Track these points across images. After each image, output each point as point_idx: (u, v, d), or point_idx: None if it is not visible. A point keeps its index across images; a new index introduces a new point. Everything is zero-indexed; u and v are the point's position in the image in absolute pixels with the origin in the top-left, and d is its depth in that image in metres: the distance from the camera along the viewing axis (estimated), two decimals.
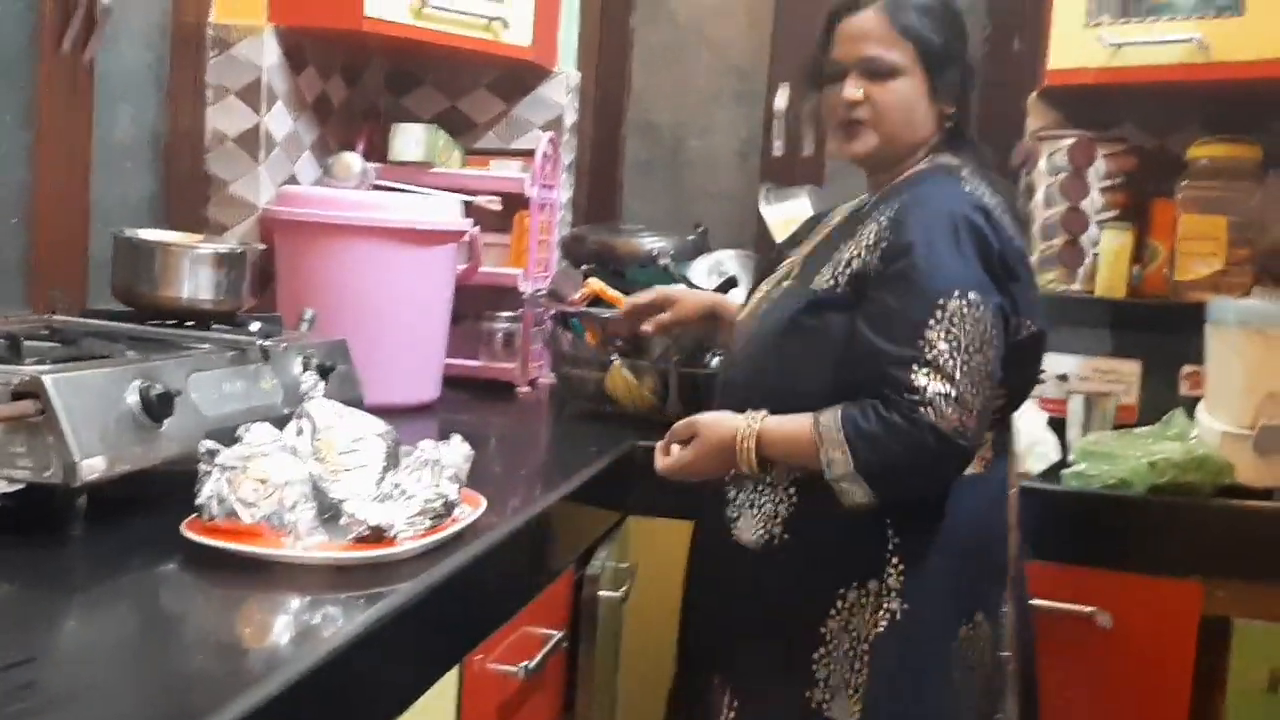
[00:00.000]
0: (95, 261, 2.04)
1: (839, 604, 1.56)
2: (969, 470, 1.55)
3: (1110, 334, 2.30)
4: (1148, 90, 2.36)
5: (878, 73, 1.62)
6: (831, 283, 1.59)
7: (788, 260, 1.78)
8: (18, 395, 1.28)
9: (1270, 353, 1.98)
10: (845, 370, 1.54)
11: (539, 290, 2.60)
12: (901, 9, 1.62)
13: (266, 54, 2.34)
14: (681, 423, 1.67)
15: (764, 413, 1.58)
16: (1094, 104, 2.49)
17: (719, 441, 1.60)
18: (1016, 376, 1.60)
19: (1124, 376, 2.24)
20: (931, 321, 1.47)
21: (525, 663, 1.54)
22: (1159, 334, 2.25)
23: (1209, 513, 1.94)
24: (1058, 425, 2.16)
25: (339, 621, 1.14)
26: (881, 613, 1.54)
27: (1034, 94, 2.54)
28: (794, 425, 1.55)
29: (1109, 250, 2.32)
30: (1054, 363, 2.27)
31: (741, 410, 1.61)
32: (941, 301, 1.47)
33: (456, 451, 1.46)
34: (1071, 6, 2.34)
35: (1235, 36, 2.16)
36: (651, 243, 2.52)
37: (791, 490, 1.60)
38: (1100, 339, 2.29)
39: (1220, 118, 2.40)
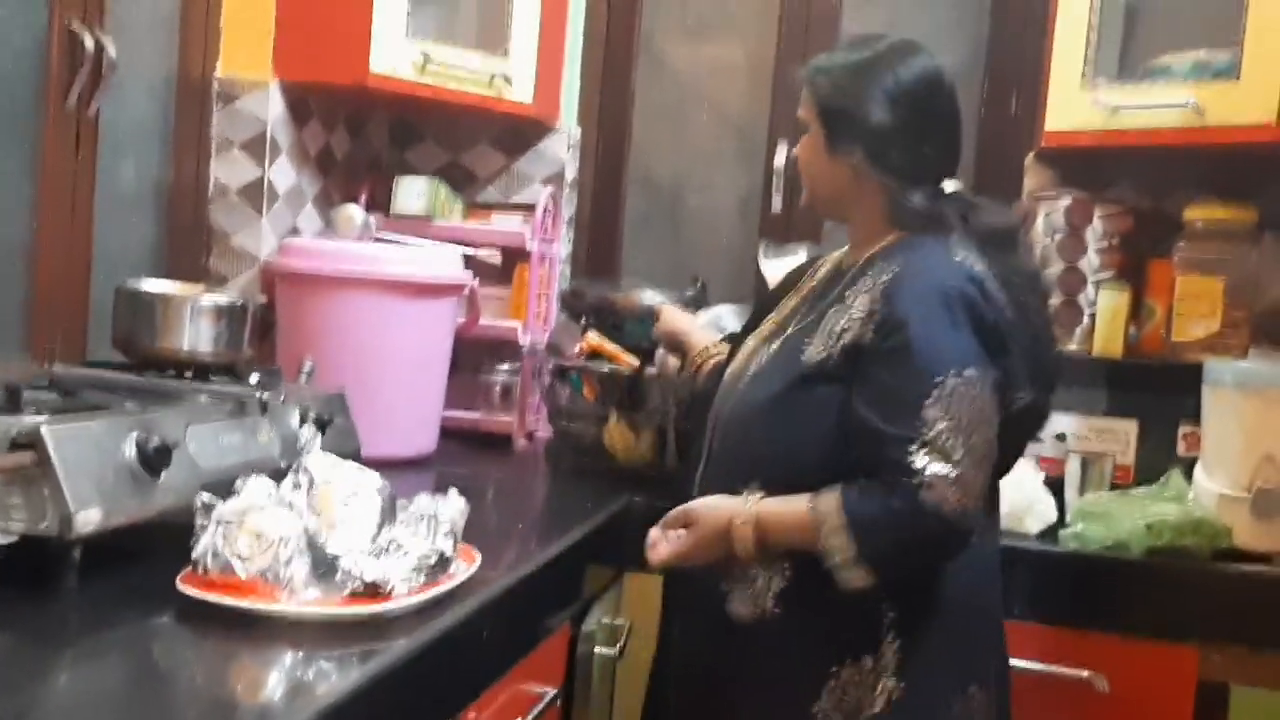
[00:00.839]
0: (97, 311, 2.05)
1: (832, 682, 1.51)
2: None
3: (1107, 394, 2.30)
4: (1144, 152, 2.38)
5: (799, 129, 1.68)
6: (824, 355, 1.55)
7: (773, 315, 1.77)
8: (16, 446, 1.28)
9: (1268, 415, 1.98)
10: (838, 445, 1.51)
11: (538, 343, 2.61)
12: (817, 67, 1.66)
13: (271, 107, 2.37)
14: (676, 510, 1.63)
15: (759, 495, 1.55)
16: (1091, 165, 2.51)
17: (715, 528, 1.56)
18: (1009, 445, 1.57)
19: (1121, 436, 2.24)
20: (929, 401, 1.44)
21: None
22: (1156, 394, 2.26)
23: (1206, 576, 1.94)
24: (1055, 485, 2.15)
25: (332, 678, 1.14)
26: (878, 691, 1.50)
27: (1031, 155, 2.56)
28: (792, 511, 1.51)
29: (1106, 310, 2.33)
30: (1051, 422, 2.26)
31: (728, 481, 1.59)
32: (939, 380, 1.45)
33: (453, 506, 1.46)
34: (1068, 69, 2.36)
35: (1230, 101, 2.18)
36: (650, 297, 2.53)
37: (786, 565, 1.54)
38: (1097, 398, 2.30)
39: (1216, 180, 2.41)
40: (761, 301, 1.88)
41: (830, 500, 1.47)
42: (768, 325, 1.75)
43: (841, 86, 1.62)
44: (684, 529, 1.60)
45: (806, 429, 1.55)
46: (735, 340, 1.84)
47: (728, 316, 2.53)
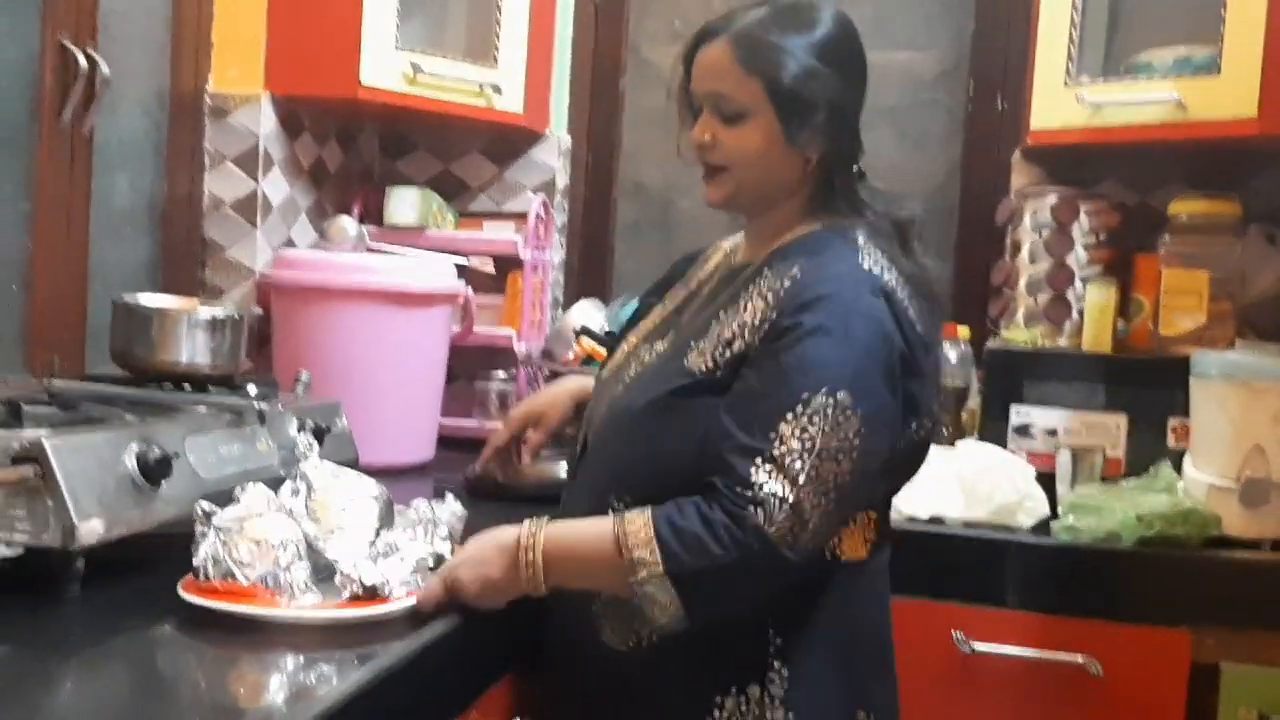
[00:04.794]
0: (94, 326, 2.07)
1: (716, 713, 1.40)
2: (850, 556, 1.44)
3: (1097, 388, 2.31)
4: (1129, 148, 2.41)
5: (726, 114, 1.47)
6: (710, 364, 1.40)
7: (657, 309, 1.64)
8: (18, 459, 1.30)
9: (1254, 405, 2.00)
10: (707, 456, 1.36)
11: (533, 350, 2.63)
12: (750, 41, 1.45)
13: (264, 121, 2.39)
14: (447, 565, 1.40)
15: (545, 519, 1.40)
16: (1076, 162, 2.54)
17: (495, 553, 1.37)
18: (904, 474, 1.50)
19: (1111, 430, 2.26)
20: (789, 416, 1.30)
21: None
22: (1145, 387, 2.27)
23: (1197, 564, 1.96)
24: (1046, 479, 2.17)
25: (333, 680, 1.15)
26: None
27: (1017, 152, 2.59)
28: (591, 528, 1.36)
29: (1094, 305, 2.35)
30: (1042, 417, 2.29)
31: (596, 491, 1.46)
32: (806, 396, 1.30)
33: (450, 511, 1.48)
34: (1052, 67, 2.38)
35: (1212, 96, 2.20)
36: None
37: None
38: (1087, 393, 2.31)
39: (1200, 174, 2.44)
40: (644, 298, 1.73)
41: (640, 513, 1.33)
42: (650, 322, 1.63)
43: (800, 64, 1.43)
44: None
45: (684, 440, 1.39)
46: (616, 339, 1.70)
47: (591, 312, 2.54)
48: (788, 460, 1.29)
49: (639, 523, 1.32)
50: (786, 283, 1.40)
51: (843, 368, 1.32)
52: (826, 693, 1.43)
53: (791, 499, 1.28)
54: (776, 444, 1.30)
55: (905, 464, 1.48)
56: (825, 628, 1.43)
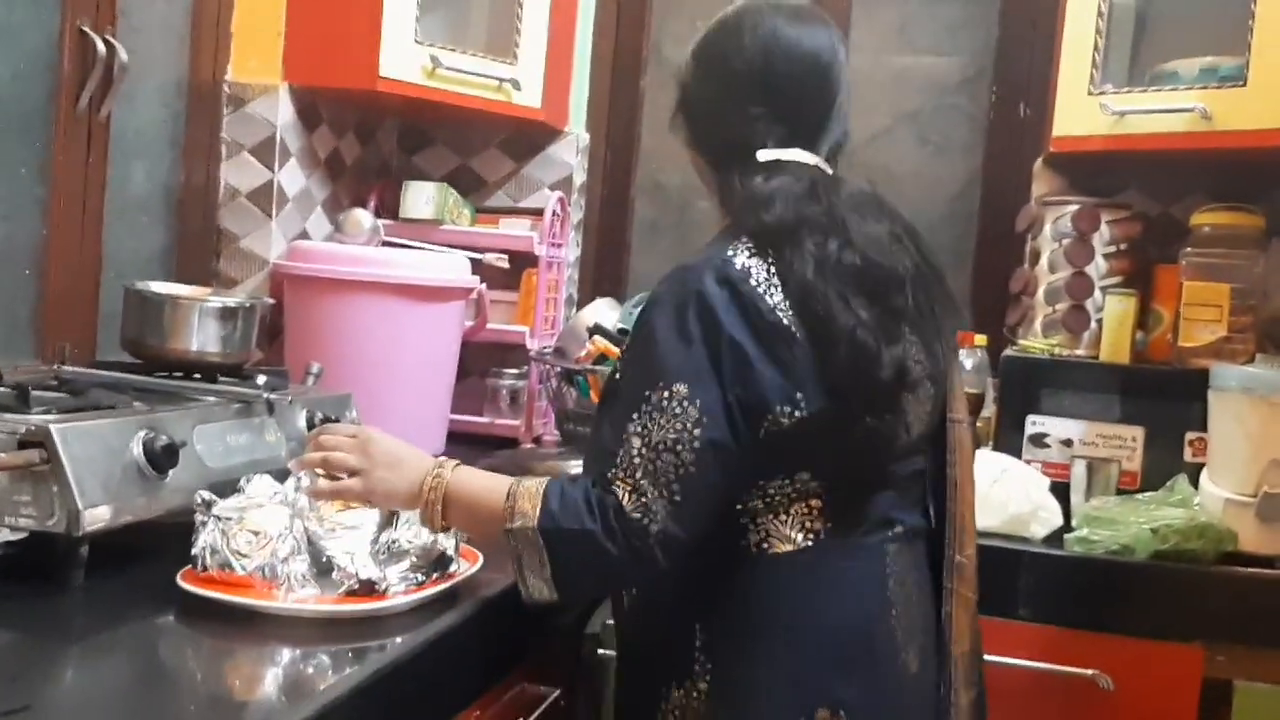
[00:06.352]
0: (106, 313, 2.06)
1: (663, 705, 1.44)
2: (784, 548, 1.42)
3: (1114, 399, 2.29)
4: (1152, 158, 2.39)
5: None
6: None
7: None
8: (24, 444, 1.30)
9: (1273, 420, 1.98)
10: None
11: (545, 348, 2.62)
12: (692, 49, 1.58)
13: (281, 111, 2.38)
14: (345, 428, 1.51)
15: (455, 461, 1.45)
16: (1099, 171, 2.51)
17: (399, 487, 1.42)
18: (810, 458, 1.41)
19: (1127, 442, 2.24)
20: (635, 414, 1.35)
21: None
22: (1163, 400, 2.25)
23: (1211, 579, 1.93)
24: (1061, 490, 2.15)
25: (328, 675, 1.15)
26: (694, 717, 1.42)
27: (1039, 160, 2.57)
28: (494, 480, 1.42)
29: (1113, 316, 2.33)
30: (1058, 427, 2.28)
31: None
32: (647, 393, 1.35)
33: None
34: (1077, 75, 2.36)
35: (1238, 106, 2.18)
36: None
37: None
38: (1104, 404, 2.29)
39: (1224, 186, 2.41)
40: None
41: (540, 478, 1.39)
42: None
43: (684, 70, 1.57)
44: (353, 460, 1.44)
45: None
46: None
47: (605, 310, 2.54)
48: (629, 455, 1.34)
49: (534, 484, 1.37)
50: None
51: (680, 360, 1.35)
52: (760, 689, 1.41)
53: (635, 495, 1.32)
54: (625, 443, 1.35)
55: (789, 450, 1.40)
56: (755, 623, 1.42)
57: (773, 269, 1.40)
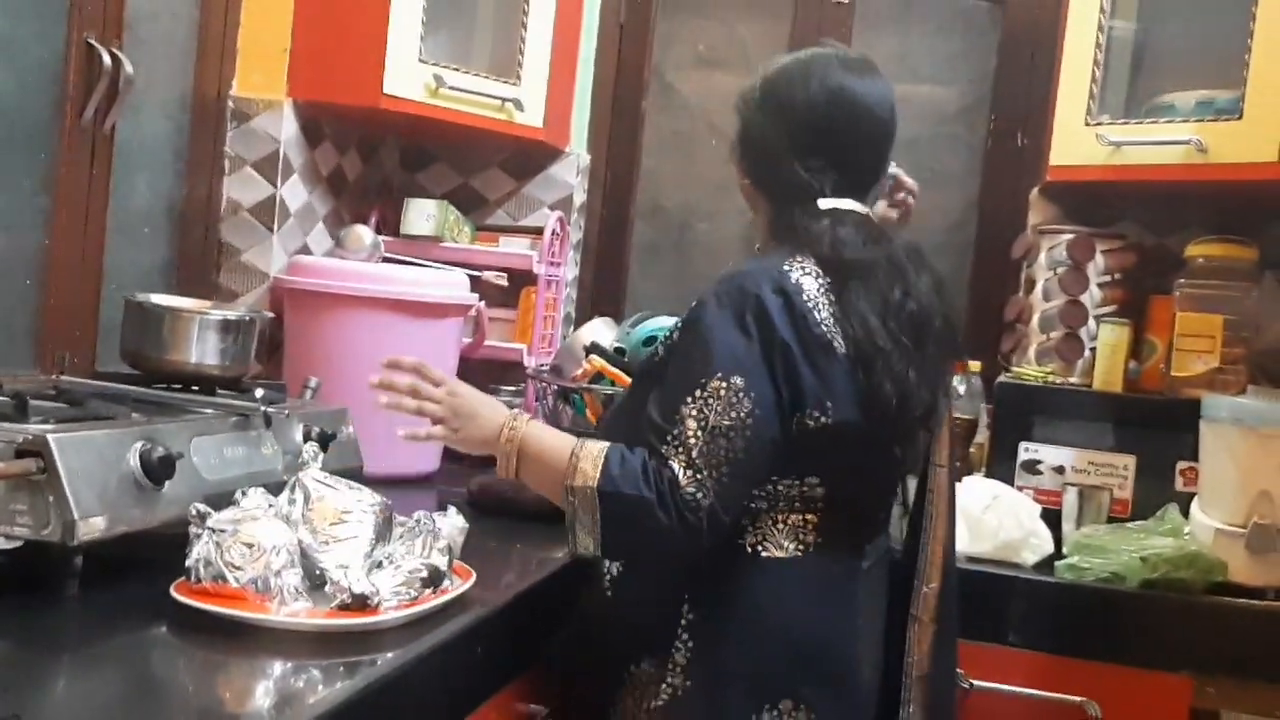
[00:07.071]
0: (106, 325, 2.07)
1: (631, 669, 1.59)
2: (776, 554, 1.55)
3: (1106, 428, 2.31)
4: (1148, 189, 2.41)
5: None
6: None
7: None
8: (21, 453, 1.30)
9: (1263, 451, 1.99)
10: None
11: (542, 366, 2.63)
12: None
13: (285, 127, 2.40)
14: (437, 374, 1.65)
15: (527, 415, 1.60)
16: (1094, 201, 2.53)
17: (482, 434, 1.59)
18: (823, 465, 1.55)
19: (1119, 470, 2.25)
20: (690, 399, 1.47)
21: None
22: (1155, 429, 2.27)
23: (1200, 609, 1.95)
24: (1052, 517, 2.16)
25: (320, 689, 1.15)
26: (664, 686, 1.55)
27: (1036, 189, 2.58)
28: (561, 437, 1.56)
29: (1106, 345, 2.34)
30: (1050, 454, 2.29)
31: None
32: (704, 380, 1.47)
33: (450, 523, 1.47)
34: (1074, 105, 2.38)
35: (1233, 139, 2.20)
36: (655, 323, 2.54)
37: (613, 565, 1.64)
38: (1096, 432, 2.30)
39: (1218, 218, 2.43)
40: None
41: (602, 441, 1.52)
42: None
43: (741, 117, 1.70)
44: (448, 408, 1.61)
45: (628, 428, 1.56)
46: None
47: (602, 330, 2.55)
48: (684, 436, 1.46)
49: (597, 446, 1.50)
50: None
51: (738, 353, 1.48)
52: (731, 671, 1.53)
53: (689, 473, 1.44)
54: (680, 425, 1.47)
55: (807, 452, 1.53)
56: (737, 616, 1.54)
57: (827, 290, 1.54)
